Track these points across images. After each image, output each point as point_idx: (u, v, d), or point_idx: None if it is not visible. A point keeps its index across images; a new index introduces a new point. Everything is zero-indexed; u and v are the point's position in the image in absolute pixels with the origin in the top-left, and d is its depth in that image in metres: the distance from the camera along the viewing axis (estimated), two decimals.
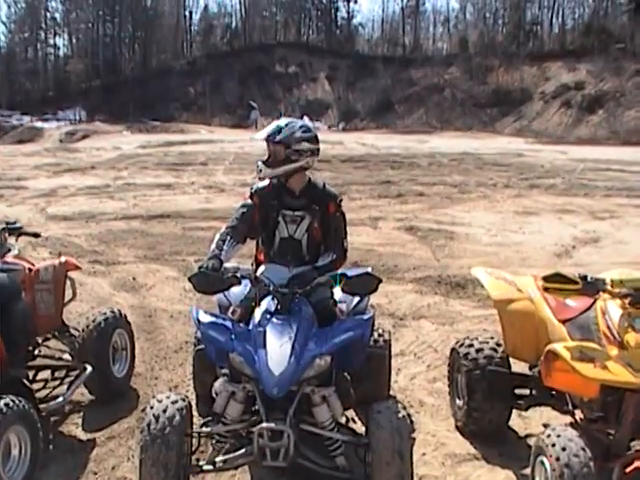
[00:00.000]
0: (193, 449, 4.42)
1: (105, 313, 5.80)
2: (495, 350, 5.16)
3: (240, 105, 53.02)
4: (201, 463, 4.41)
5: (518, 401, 5.10)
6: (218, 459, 4.40)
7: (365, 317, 4.58)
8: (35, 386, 5.31)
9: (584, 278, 4.23)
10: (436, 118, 48.60)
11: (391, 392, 5.86)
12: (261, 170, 4.86)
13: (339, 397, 4.55)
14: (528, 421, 5.45)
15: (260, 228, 5.05)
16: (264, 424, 4.08)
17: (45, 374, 5.64)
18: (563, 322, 4.78)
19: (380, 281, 4.49)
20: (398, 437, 4.04)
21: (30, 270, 5.45)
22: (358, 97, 52.75)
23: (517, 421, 5.41)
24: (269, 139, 4.85)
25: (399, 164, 25.41)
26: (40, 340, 5.77)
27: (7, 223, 5.74)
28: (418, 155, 29.03)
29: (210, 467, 4.38)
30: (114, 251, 11.33)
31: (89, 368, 5.45)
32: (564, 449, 3.81)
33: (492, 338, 5.33)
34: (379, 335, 5.59)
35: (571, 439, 3.87)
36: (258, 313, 4.47)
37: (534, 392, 5.04)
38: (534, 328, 4.95)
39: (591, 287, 4.21)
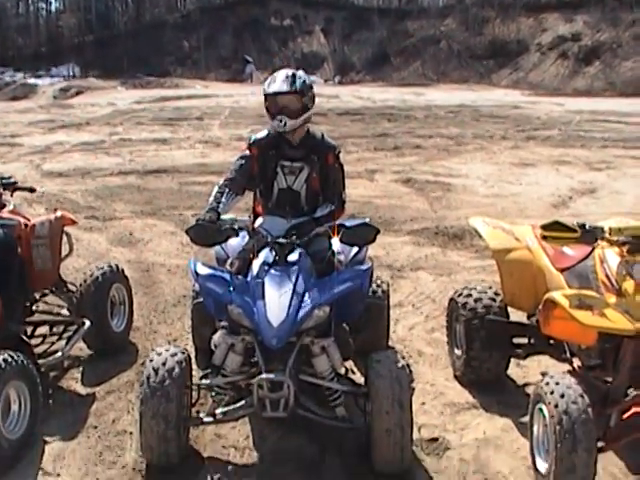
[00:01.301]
0: (193, 402, 4.45)
1: (102, 268, 5.79)
2: (493, 299, 5.17)
3: (235, 59, 52.51)
4: (201, 415, 4.44)
5: (516, 350, 5.13)
6: (218, 411, 4.42)
7: (364, 267, 4.57)
8: (33, 342, 5.32)
9: (582, 226, 4.20)
10: (432, 70, 48.16)
11: (390, 343, 5.88)
12: (285, 123, 4.77)
13: (338, 348, 4.56)
14: (526, 370, 5.47)
15: (258, 179, 5.01)
16: (263, 375, 4.10)
17: (43, 330, 5.64)
18: (561, 271, 4.78)
19: (378, 231, 4.48)
20: (398, 386, 4.06)
21: (26, 225, 5.41)
22: (354, 50, 52.23)
23: (515, 370, 5.44)
24: (287, 91, 4.78)
25: (395, 117, 25.23)
26: (38, 296, 5.76)
27: (2, 178, 5.69)
28: (414, 108, 28.84)
29: (210, 419, 4.40)
30: (110, 206, 11.30)
31: (87, 323, 5.45)
32: (562, 396, 3.82)
33: (490, 288, 5.33)
34: (377, 286, 5.60)
35: (569, 386, 3.88)
36: (256, 265, 4.46)
37: (532, 341, 5.07)
38: (532, 277, 4.96)
39: (589, 235, 4.18)
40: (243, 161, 4.95)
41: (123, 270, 6.06)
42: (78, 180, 13.52)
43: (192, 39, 54.28)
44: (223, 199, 4.75)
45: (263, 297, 4.21)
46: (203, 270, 4.47)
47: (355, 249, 5.29)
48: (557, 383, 3.92)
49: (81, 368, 5.60)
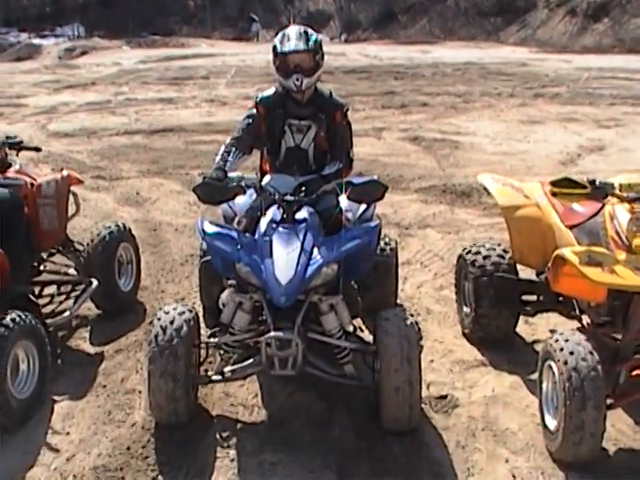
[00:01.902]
0: (201, 360, 4.45)
1: (110, 227, 5.77)
2: (502, 257, 5.14)
3: (241, 18, 51.88)
4: (210, 374, 4.45)
5: (525, 307, 5.10)
6: (226, 369, 4.44)
7: (372, 225, 4.54)
8: (41, 301, 5.33)
9: (592, 182, 4.15)
10: (439, 28, 47.48)
11: (398, 301, 5.88)
12: (302, 82, 4.71)
13: (347, 306, 4.55)
14: (535, 327, 5.46)
15: (266, 138, 4.97)
16: (272, 333, 4.09)
17: (51, 289, 5.64)
18: (570, 228, 4.73)
19: (386, 188, 4.43)
20: (406, 343, 4.05)
21: (32, 185, 5.38)
22: (360, 8, 51.52)
23: (524, 327, 5.42)
24: (303, 49, 4.70)
25: (402, 74, 24.94)
26: (45, 255, 5.75)
27: (7, 137, 5.64)
28: (422, 65, 28.49)
29: (219, 377, 4.41)
30: (117, 166, 11.24)
31: (95, 282, 5.45)
32: (572, 353, 3.81)
33: (499, 245, 5.30)
34: (385, 244, 5.57)
35: (579, 343, 3.86)
36: (264, 223, 4.43)
37: (541, 298, 5.05)
38: (541, 234, 4.91)
39: (599, 191, 4.13)
40: (250, 120, 4.91)
41: (130, 229, 6.04)
42: (84, 140, 13.45)
43: None
44: (230, 158, 4.72)
45: (271, 255, 4.18)
46: (211, 228, 4.44)
47: (363, 207, 5.25)
48: (566, 340, 3.90)
49: (89, 327, 5.61)
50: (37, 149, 6.01)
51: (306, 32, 4.76)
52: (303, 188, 4.53)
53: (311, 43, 4.71)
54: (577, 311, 4.71)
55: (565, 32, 45.71)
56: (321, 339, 4.30)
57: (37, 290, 5.50)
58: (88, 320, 5.71)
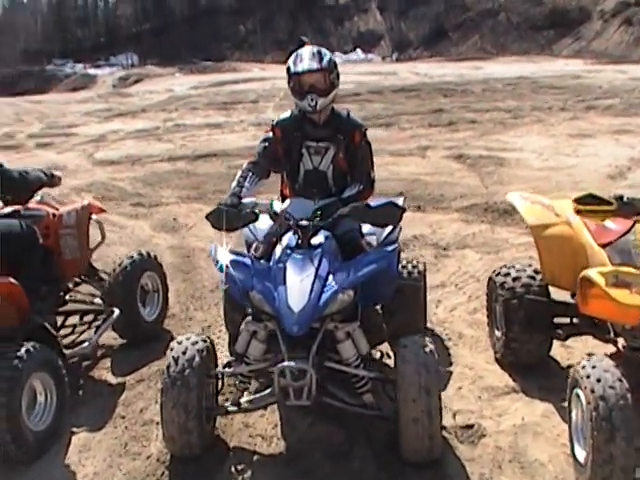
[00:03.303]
0: (218, 390, 4.34)
1: (132, 256, 5.71)
2: (533, 278, 4.92)
3: (291, 41, 52.14)
4: (227, 404, 4.33)
5: (558, 331, 4.87)
6: (243, 400, 4.32)
7: (389, 248, 4.37)
8: (64, 331, 5.30)
9: (620, 198, 3.94)
10: (491, 44, 47.23)
11: (429, 325, 5.70)
12: (316, 102, 4.61)
13: (370, 332, 4.43)
14: (571, 351, 5.21)
15: (284, 161, 4.87)
16: (285, 363, 3.96)
17: (75, 319, 5.60)
18: (603, 246, 4.51)
19: (404, 211, 4.29)
20: (425, 372, 3.87)
21: (54, 215, 5.37)
22: (411, 26, 51.53)
23: (559, 351, 5.18)
24: (317, 69, 4.61)
25: (452, 92, 24.74)
26: (71, 285, 5.72)
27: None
28: (472, 82, 28.25)
29: (235, 408, 4.29)
30: (158, 193, 11.27)
31: (116, 312, 5.40)
32: (599, 380, 3.59)
33: (530, 265, 5.09)
34: (413, 267, 5.40)
35: (607, 370, 3.63)
36: (279, 249, 4.32)
37: (574, 321, 4.81)
38: (573, 253, 4.69)
39: (628, 208, 3.92)
40: (267, 143, 4.82)
41: (156, 257, 5.96)
42: (128, 167, 13.54)
43: (248, 23, 54.27)
44: (246, 183, 4.63)
45: (284, 282, 4.06)
46: (224, 255, 4.34)
47: (388, 229, 5.12)
48: (594, 366, 3.69)
49: (113, 357, 5.54)
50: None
51: (319, 52, 4.65)
52: (320, 212, 4.41)
53: (325, 62, 4.60)
54: (612, 334, 4.48)
55: (621, 42, 45.00)
56: (338, 368, 4.14)
57: (61, 320, 5.47)
58: (113, 350, 5.66)
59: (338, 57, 50.03)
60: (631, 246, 4.19)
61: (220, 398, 4.38)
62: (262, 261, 4.37)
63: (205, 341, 4.23)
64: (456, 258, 7.37)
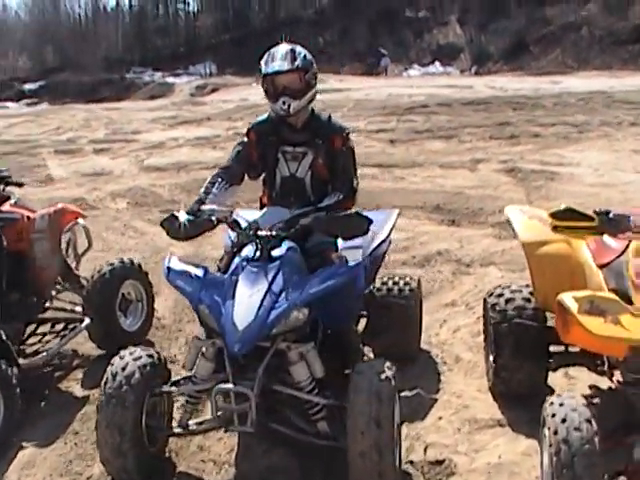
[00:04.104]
0: (169, 410, 4.04)
1: (112, 263, 5.46)
2: (528, 300, 4.45)
3: (370, 52, 51.88)
4: (174, 425, 4.02)
5: (550, 360, 4.40)
6: (192, 422, 3.99)
7: (351, 264, 4.00)
8: (34, 339, 5.09)
9: (605, 214, 3.48)
10: (573, 58, 45.84)
11: (426, 346, 5.32)
12: (289, 105, 4.28)
13: (343, 353, 4.07)
14: (574, 382, 4.73)
15: (260, 167, 4.55)
16: (222, 385, 3.64)
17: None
18: (601, 267, 4.06)
19: (370, 222, 3.90)
20: (376, 402, 3.48)
21: (28, 219, 5.17)
22: (491, 39, 50.44)
23: (560, 381, 4.71)
24: (288, 69, 4.28)
25: (522, 105, 23.94)
26: (54, 292, 5.52)
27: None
28: (545, 96, 27.35)
29: (180, 430, 3.97)
30: (192, 200, 11.03)
31: (86, 321, 5.15)
32: (564, 421, 3.15)
33: (527, 286, 4.61)
34: (405, 284, 5.02)
35: (575, 409, 3.18)
36: (236, 260, 4.00)
37: (569, 349, 4.34)
38: (570, 274, 4.22)
39: (611, 225, 3.46)
40: (240, 147, 4.55)
41: (140, 265, 5.70)
42: (173, 174, 13.37)
43: (326, 34, 54.10)
44: (214, 189, 4.37)
45: (233, 297, 3.74)
46: (177, 266, 4.04)
47: (376, 242, 4.75)
48: (561, 404, 3.25)
49: (88, 369, 5.29)
50: (19, 184, 5.56)
51: (293, 50, 4.31)
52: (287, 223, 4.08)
53: (299, 62, 4.26)
54: (607, 366, 4.00)
55: None
56: (287, 392, 3.77)
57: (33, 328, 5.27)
58: (89, 360, 5.40)
59: (416, 70, 49.56)
60: (624, 268, 3.73)
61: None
62: (219, 273, 4.05)
63: (151, 356, 3.93)
64: (476, 275, 6.91)
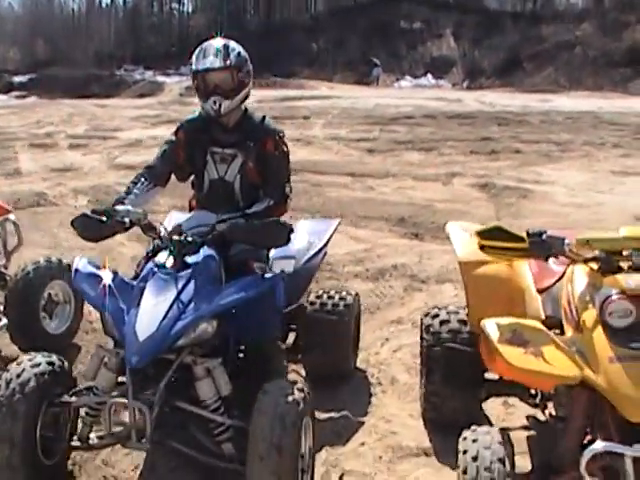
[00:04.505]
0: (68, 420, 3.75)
1: (38, 262, 5.17)
2: (465, 323, 4.17)
3: (362, 62, 51.60)
4: (74, 439, 3.73)
5: (480, 389, 4.12)
6: (93, 435, 3.70)
7: (268, 276, 3.74)
8: None
9: (538, 235, 3.21)
10: (565, 77, 45.70)
11: (363, 365, 5.06)
12: (220, 105, 4.04)
13: (264, 369, 3.80)
14: (512, 411, 4.47)
15: (188, 168, 4.30)
16: (115, 399, 3.37)
17: None
18: (540, 292, 3.82)
19: (291, 231, 3.64)
20: (279, 426, 3.20)
21: None
22: (484, 54, 50.31)
23: (498, 410, 4.45)
24: (220, 67, 4.04)
25: (508, 121, 23.76)
26: None
27: None
28: (532, 113, 27.19)
29: (78, 444, 3.68)
30: (157, 200, 10.76)
31: (3, 321, 4.88)
32: (475, 459, 2.88)
33: (465, 308, 4.34)
34: (340, 299, 4.74)
35: (488, 446, 2.92)
36: (148, 266, 3.73)
37: (502, 378, 4.07)
38: (507, 299, 3.92)
39: (543, 247, 3.18)
40: (167, 147, 4.31)
41: (69, 265, 5.40)
42: None
43: (320, 41, 53.88)
44: (135, 190, 4.12)
45: (138, 305, 3.47)
46: (84, 269, 3.77)
47: (311, 252, 4.51)
48: (474, 440, 2.98)
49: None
50: None
51: (226, 46, 4.07)
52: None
53: (232, 59, 4.03)
54: (539, 399, 3.76)
55: None
56: (189, 409, 3.50)
57: None
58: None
59: (408, 81, 49.40)
60: (559, 294, 3.48)
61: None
62: (127, 279, 3.78)
63: (52, 363, 3.64)
64: (429, 292, 6.66)
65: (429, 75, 50.89)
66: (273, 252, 4.42)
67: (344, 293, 4.80)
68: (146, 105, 32.64)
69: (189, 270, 3.60)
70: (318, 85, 48.92)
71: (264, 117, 4.28)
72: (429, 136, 19.50)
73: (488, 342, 3.14)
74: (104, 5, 56.98)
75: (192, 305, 3.46)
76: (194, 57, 4.08)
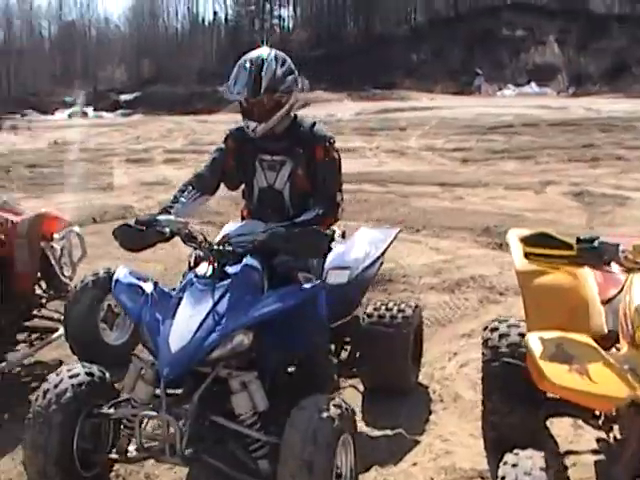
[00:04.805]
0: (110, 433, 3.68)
1: (97, 273, 5.17)
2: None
3: (464, 71, 50.99)
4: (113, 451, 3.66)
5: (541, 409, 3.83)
6: (131, 448, 3.61)
7: (306, 286, 3.57)
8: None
9: (589, 241, 2.94)
10: None
11: (426, 380, 4.84)
12: (254, 130, 3.92)
13: (311, 383, 3.66)
14: (581, 432, 4.15)
15: (237, 177, 4.19)
16: (145, 411, 3.29)
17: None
18: (604, 303, 3.53)
19: (330, 241, 3.49)
20: (311, 443, 3.04)
21: (13, 223, 4.95)
22: (590, 60, 48.98)
23: (566, 431, 4.15)
24: (249, 97, 3.89)
25: (612, 127, 22.94)
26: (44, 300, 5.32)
27: None
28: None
29: (116, 456, 3.60)
30: (237, 211, 10.77)
31: (59, 331, 4.89)
32: None
33: None
34: (399, 310, 4.53)
35: (528, 472, 2.68)
36: (189, 276, 3.64)
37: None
38: (569, 310, 3.62)
39: (591, 255, 2.91)
40: (216, 155, 4.21)
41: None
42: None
43: (421, 51, 53.62)
44: (182, 198, 4.03)
45: (174, 316, 3.38)
46: (125, 279, 3.71)
47: (365, 263, 4.33)
48: (514, 465, 2.74)
49: None
50: None
51: (260, 68, 3.84)
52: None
53: (263, 85, 3.82)
54: (602, 420, 3.46)
55: None
56: (225, 424, 3.37)
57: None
58: None
59: (511, 90, 48.47)
60: (619, 306, 3.20)
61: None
62: (167, 289, 3.69)
63: (91, 374, 3.60)
64: (505, 305, 6.35)
65: (532, 83, 49.90)
66: (328, 262, 4.28)
67: (403, 305, 4.60)
68: None
69: (227, 281, 3.49)
70: (419, 96, 48.59)
71: (314, 123, 4.12)
72: (527, 144, 19.04)
73: (531, 357, 2.90)
74: (206, 23, 58.14)
75: (228, 316, 3.34)
76: (230, 77, 3.94)
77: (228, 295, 3.43)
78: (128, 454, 3.57)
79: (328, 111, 38.01)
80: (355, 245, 4.56)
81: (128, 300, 3.60)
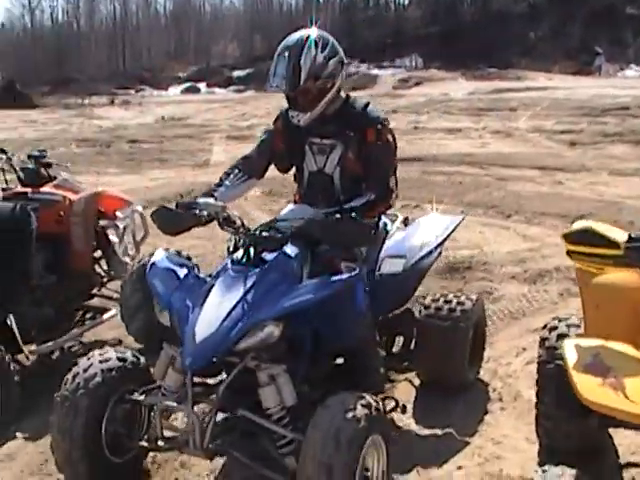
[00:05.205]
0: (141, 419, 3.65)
1: (153, 253, 5.12)
2: None
3: (583, 50, 49.06)
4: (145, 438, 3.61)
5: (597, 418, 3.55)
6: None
7: (339, 277, 3.38)
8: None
9: (634, 240, 2.66)
10: None
11: (487, 377, 4.61)
12: (299, 119, 3.78)
13: (357, 377, 3.56)
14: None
15: (287, 159, 4.04)
16: (165, 402, 3.21)
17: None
18: None
19: (370, 230, 3.31)
20: (333, 445, 2.89)
21: (70, 201, 4.96)
22: None
23: (629, 440, 3.85)
24: (293, 88, 3.71)
25: None
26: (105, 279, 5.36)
27: (39, 151, 5.26)
28: None
29: (145, 444, 3.55)
30: None
31: (112, 312, 4.88)
32: None
33: None
34: (458, 303, 4.31)
35: None
36: (225, 262, 3.53)
37: None
38: (633, 313, 3.36)
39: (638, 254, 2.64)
40: (265, 136, 4.08)
41: (189, 257, 5.32)
42: None
43: (539, 30, 51.82)
44: (227, 181, 3.92)
45: (203, 303, 3.27)
46: (161, 263, 3.63)
47: (422, 252, 4.13)
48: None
49: None
50: (48, 165, 5.33)
51: (298, 59, 3.63)
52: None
53: (303, 76, 3.64)
54: None
55: None
56: (251, 418, 3.25)
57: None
58: None
59: (634, 70, 46.45)
60: None
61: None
62: (203, 275, 3.59)
63: (123, 359, 3.54)
64: None
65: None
66: (384, 250, 4.12)
67: (463, 298, 4.37)
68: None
69: (260, 268, 3.36)
70: (536, 76, 47.17)
71: (367, 104, 3.92)
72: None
73: (566, 366, 2.66)
74: (321, 0, 58.03)
75: (258, 305, 3.21)
76: (270, 67, 3.77)
77: (261, 283, 3.29)
78: (158, 442, 3.51)
79: (441, 90, 37.47)
80: (415, 233, 4.35)
81: (160, 284, 3.52)
